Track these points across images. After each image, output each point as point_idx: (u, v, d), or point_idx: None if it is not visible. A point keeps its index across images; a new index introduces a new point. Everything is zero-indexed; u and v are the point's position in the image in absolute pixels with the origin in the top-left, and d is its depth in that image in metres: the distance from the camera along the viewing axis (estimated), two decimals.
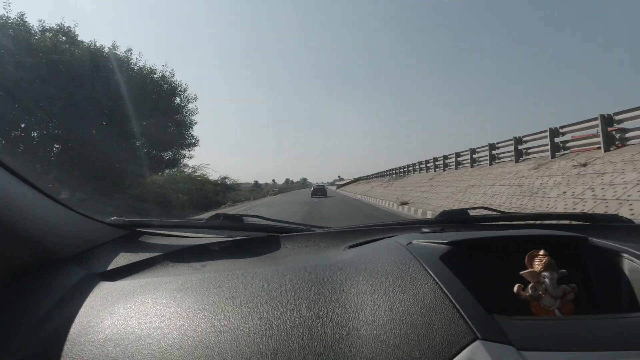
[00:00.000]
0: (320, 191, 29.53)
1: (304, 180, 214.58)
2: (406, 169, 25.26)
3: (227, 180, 31.23)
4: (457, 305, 0.45)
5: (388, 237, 0.85)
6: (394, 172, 29.41)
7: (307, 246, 0.88)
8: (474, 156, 14.19)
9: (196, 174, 26.09)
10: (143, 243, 0.91)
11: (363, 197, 21.81)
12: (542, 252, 0.59)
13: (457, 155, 15.79)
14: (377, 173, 38.63)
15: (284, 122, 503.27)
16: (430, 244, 0.66)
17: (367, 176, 48.33)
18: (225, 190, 30.80)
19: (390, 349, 0.42)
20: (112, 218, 0.92)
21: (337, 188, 59.50)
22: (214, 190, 27.86)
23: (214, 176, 28.81)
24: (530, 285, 0.57)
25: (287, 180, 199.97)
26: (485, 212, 1.15)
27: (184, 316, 0.53)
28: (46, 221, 0.69)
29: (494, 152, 12.70)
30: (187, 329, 0.50)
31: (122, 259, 0.78)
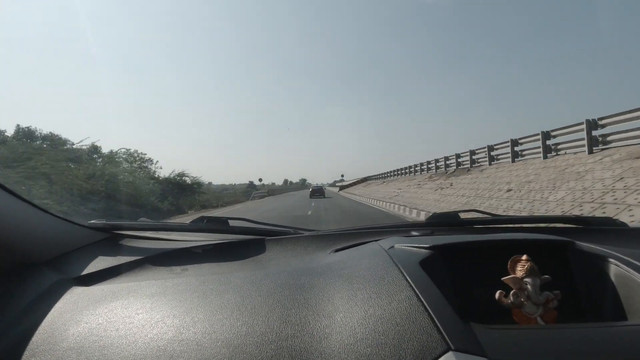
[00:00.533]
0: (318, 192, 32.74)
1: (303, 180, 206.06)
2: (432, 165, 20.56)
3: (185, 177, 21.96)
4: (432, 313, 0.44)
5: (375, 240, 0.82)
6: (408, 170, 25.66)
7: (293, 250, 0.86)
8: (516, 149, 12.26)
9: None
10: (123, 247, 0.89)
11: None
12: (524, 257, 0.57)
13: (491, 148, 13.87)
14: (392, 171, 31.83)
15: (282, 123, 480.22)
16: (411, 248, 0.64)
17: (377, 175, 38.95)
18: (180, 192, 20.83)
19: (360, 359, 0.41)
20: (92, 221, 0.90)
21: (340, 190, 48.93)
22: (153, 191, 17.08)
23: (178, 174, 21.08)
24: (512, 292, 0.55)
25: (285, 181, 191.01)
26: (476, 215, 1.14)
27: (152, 324, 0.51)
28: (19, 224, 0.67)
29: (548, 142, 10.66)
30: (154, 338, 0.48)
31: (100, 263, 0.76)
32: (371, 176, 44.15)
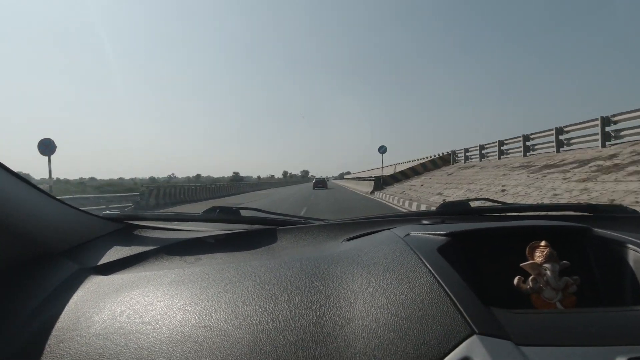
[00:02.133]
0: (321, 183, 33.98)
1: (306, 172, 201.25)
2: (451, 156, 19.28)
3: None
4: (453, 298, 0.44)
5: (387, 229, 0.82)
6: (439, 159, 22.23)
7: (304, 239, 0.87)
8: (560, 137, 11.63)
9: None
10: (137, 237, 0.90)
11: None
12: (543, 243, 0.57)
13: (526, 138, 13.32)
14: (410, 161, 27.59)
15: (286, 116, 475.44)
16: (427, 235, 0.64)
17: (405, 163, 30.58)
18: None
19: (384, 344, 0.41)
20: (106, 212, 0.91)
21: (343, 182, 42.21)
22: None
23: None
24: (531, 278, 0.55)
25: (285, 173, 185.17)
26: (487, 203, 1.14)
27: (174, 311, 0.52)
28: (38, 216, 0.68)
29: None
30: (177, 324, 0.49)
31: (115, 253, 0.77)
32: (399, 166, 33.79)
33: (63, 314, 0.54)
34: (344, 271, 0.57)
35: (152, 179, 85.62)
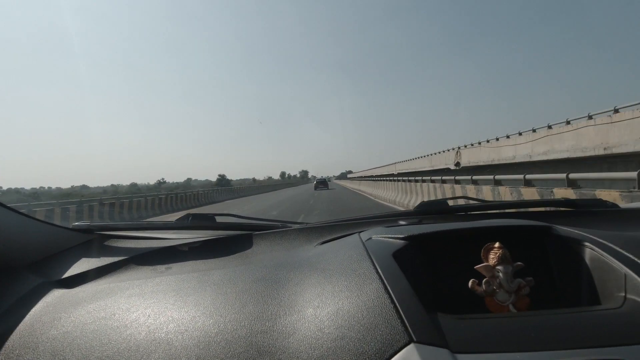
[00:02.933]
0: (322, 184, 34.42)
1: (305, 173, 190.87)
2: None
3: None
4: (397, 305, 0.44)
5: (358, 232, 0.82)
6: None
7: (280, 244, 0.86)
8: None
9: None
10: (108, 247, 0.88)
11: None
12: (497, 244, 0.57)
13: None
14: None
15: (286, 115, 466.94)
16: (387, 239, 0.64)
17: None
18: None
19: (325, 354, 0.41)
20: (76, 223, 0.89)
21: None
22: None
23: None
24: (484, 280, 0.55)
25: (283, 174, 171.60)
26: (465, 201, 1.13)
27: (126, 325, 0.52)
28: None
29: None
30: (127, 338, 0.49)
31: (83, 265, 0.76)
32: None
33: (17, 329, 0.54)
34: (301, 278, 0.56)
35: (134, 185, 76.62)
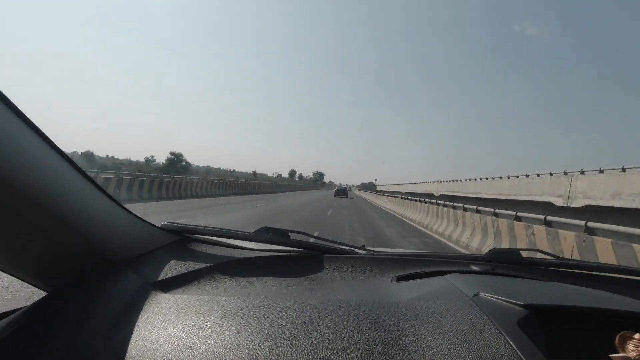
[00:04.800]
0: (342, 192, 34.77)
1: (320, 176, 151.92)
2: None
3: None
4: None
5: (438, 271, 0.83)
6: None
7: (351, 271, 0.86)
8: None
9: None
10: (193, 251, 0.90)
11: None
12: (637, 335, 0.52)
13: None
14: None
15: (308, 112, 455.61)
16: (501, 302, 0.61)
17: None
18: None
19: None
20: (165, 223, 0.92)
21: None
22: None
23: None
24: None
25: (292, 173, 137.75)
26: (539, 255, 1.07)
27: (240, 343, 0.52)
28: (107, 221, 0.68)
29: None
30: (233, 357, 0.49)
31: (174, 268, 0.77)
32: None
33: (134, 334, 0.54)
34: (415, 329, 0.55)
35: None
